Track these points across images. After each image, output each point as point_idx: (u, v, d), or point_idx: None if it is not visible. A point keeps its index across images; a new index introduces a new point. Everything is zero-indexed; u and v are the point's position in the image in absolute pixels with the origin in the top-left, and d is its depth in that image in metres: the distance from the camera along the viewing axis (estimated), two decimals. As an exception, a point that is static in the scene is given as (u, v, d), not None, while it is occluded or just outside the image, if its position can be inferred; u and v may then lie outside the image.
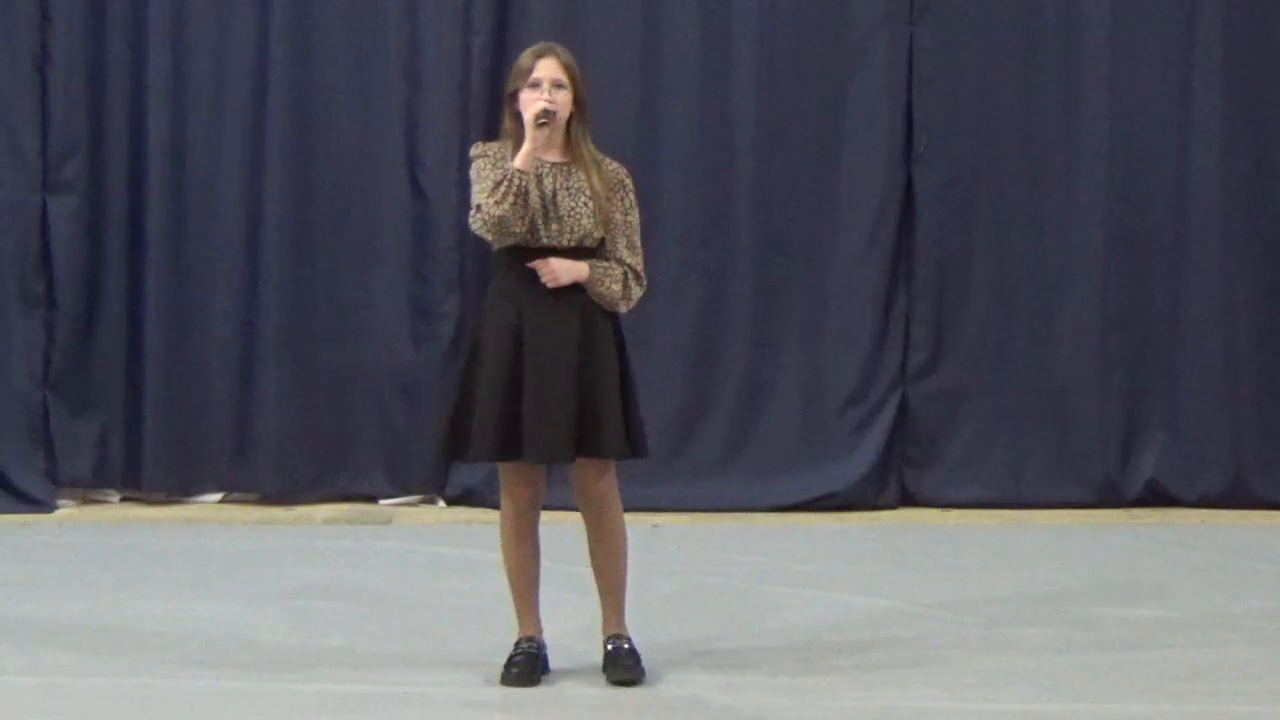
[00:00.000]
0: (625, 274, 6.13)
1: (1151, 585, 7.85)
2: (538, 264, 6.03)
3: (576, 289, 6.07)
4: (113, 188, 9.43)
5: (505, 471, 6.15)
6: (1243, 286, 9.59)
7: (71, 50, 9.35)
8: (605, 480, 6.15)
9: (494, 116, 9.34)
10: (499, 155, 6.10)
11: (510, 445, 6.02)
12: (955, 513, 9.47)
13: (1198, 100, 9.56)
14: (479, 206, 5.98)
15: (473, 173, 6.13)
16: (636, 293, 6.18)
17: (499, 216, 5.93)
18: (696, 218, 9.51)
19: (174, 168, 9.42)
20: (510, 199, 5.93)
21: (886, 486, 9.56)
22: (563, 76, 6.07)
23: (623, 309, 6.16)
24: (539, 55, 6.10)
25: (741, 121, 9.53)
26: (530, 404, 6.00)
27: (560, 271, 6.03)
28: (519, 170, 5.95)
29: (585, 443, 6.04)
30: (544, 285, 6.03)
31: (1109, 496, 9.56)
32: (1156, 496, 9.57)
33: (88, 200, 9.40)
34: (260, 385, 9.48)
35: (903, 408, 9.60)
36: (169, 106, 9.40)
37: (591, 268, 6.08)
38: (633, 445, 6.14)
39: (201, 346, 9.46)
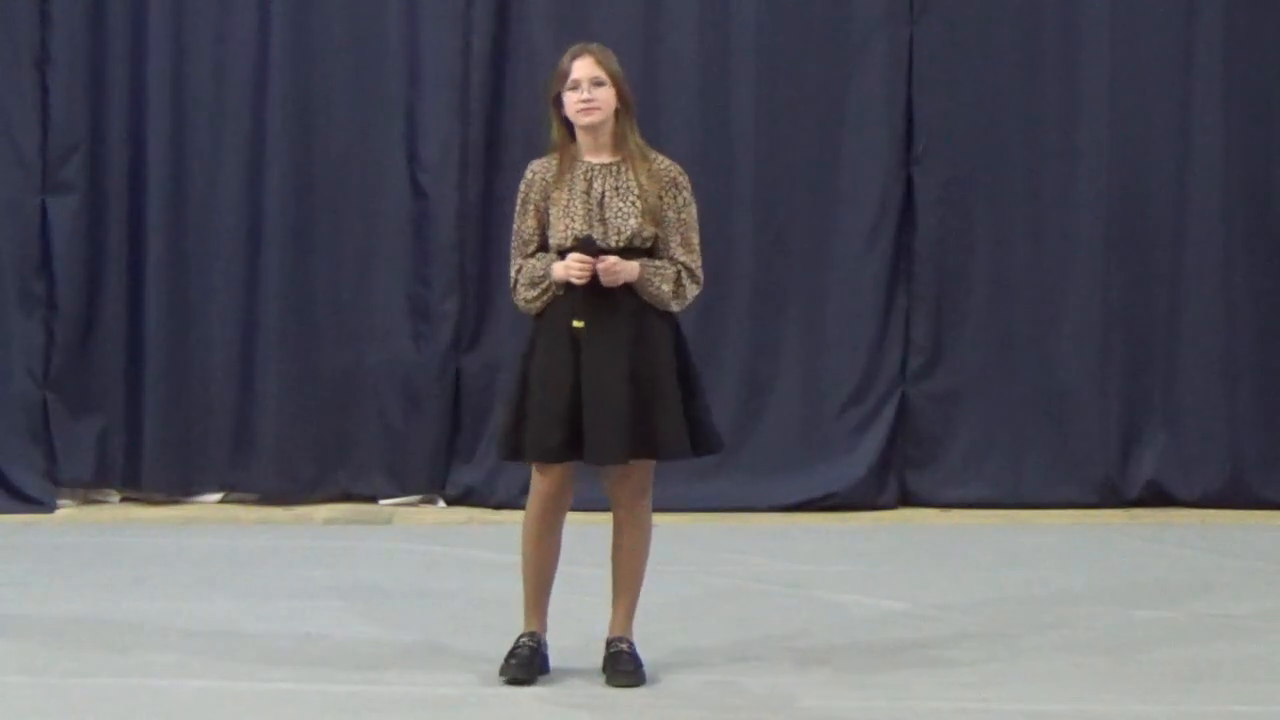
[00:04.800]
0: (679, 273, 6.09)
1: (1151, 585, 7.84)
2: (599, 265, 5.98)
3: (629, 289, 6.05)
4: (113, 188, 9.42)
5: (538, 471, 6.15)
6: (1243, 286, 9.59)
7: (71, 50, 9.34)
8: (644, 481, 6.17)
9: (494, 116, 9.42)
10: (542, 195, 6.11)
11: (570, 446, 6.02)
12: (955, 513, 9.46)
13: (1198, 100, 9.56)
14: (515, 284, 6.14)
15: (516, 211, 6.19)
16: (692, 291, 6.14)
17: (527, 310, 6.15)
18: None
19: (174, 167, 9.41)
20: (544, 302, 6.09)
21: (886, 486, 9.55)
22: (600, 74, 6.04)
23: (674, 308, 6.12)
24: (575, 56, 6.09)
25: (741, 121, 9.52)
26: (589, 407, 5.99)
27: (618, 270, 6.01)
28: (555, 282, 6.04)
29: (641, 443, 6.03)
30: (597, 286, 6.00)
31: (1109, 496, 9.55)
32: (1156, 496, 9.57)
33: (88, 200, 9.38)
34: (260, 385, 9.48)
35: (903, 408, 9.59)
36: (169, 106, 9.39)
37: (642, 267, 6.05)
38: (697, 443, 6.13)
39: (201, 346, 9.46)
